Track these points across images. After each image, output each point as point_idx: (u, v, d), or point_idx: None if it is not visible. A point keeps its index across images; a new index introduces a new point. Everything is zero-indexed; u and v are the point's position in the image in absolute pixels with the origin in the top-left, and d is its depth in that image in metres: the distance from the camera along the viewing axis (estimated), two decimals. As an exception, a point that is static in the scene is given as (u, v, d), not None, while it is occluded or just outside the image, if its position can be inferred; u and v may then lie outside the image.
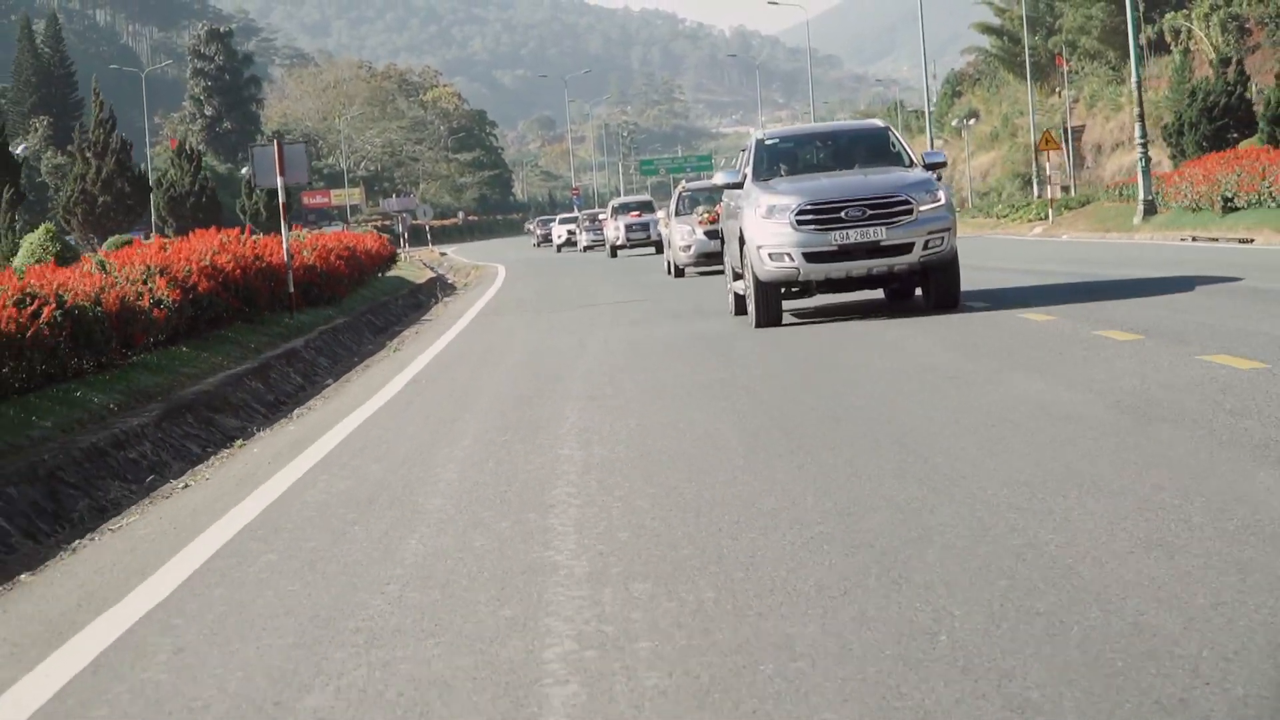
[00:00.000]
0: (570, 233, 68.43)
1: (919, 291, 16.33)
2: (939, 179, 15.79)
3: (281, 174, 21.25)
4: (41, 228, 36.98)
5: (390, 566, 5.78)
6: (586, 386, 11.64)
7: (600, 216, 63.18)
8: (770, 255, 14.87)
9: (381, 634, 4.79)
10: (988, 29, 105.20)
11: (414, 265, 48.68)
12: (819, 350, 12.81)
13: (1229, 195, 30.78)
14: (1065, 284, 18.59)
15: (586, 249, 61.12)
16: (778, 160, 16.86)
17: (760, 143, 17.32)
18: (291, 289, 21.77)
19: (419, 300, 31.78)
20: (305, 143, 27.71)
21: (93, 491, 10.23)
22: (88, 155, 56.01)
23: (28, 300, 13.02)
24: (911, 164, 16.07)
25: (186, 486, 9.20)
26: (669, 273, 30.69)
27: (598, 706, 3.89)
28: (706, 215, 28.54)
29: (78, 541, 7.74)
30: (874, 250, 14.65)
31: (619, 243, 50.84)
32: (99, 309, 14.45)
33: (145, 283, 16.71)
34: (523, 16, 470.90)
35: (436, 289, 35.47)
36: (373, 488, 7.68)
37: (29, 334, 12.56)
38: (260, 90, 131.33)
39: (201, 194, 60.60)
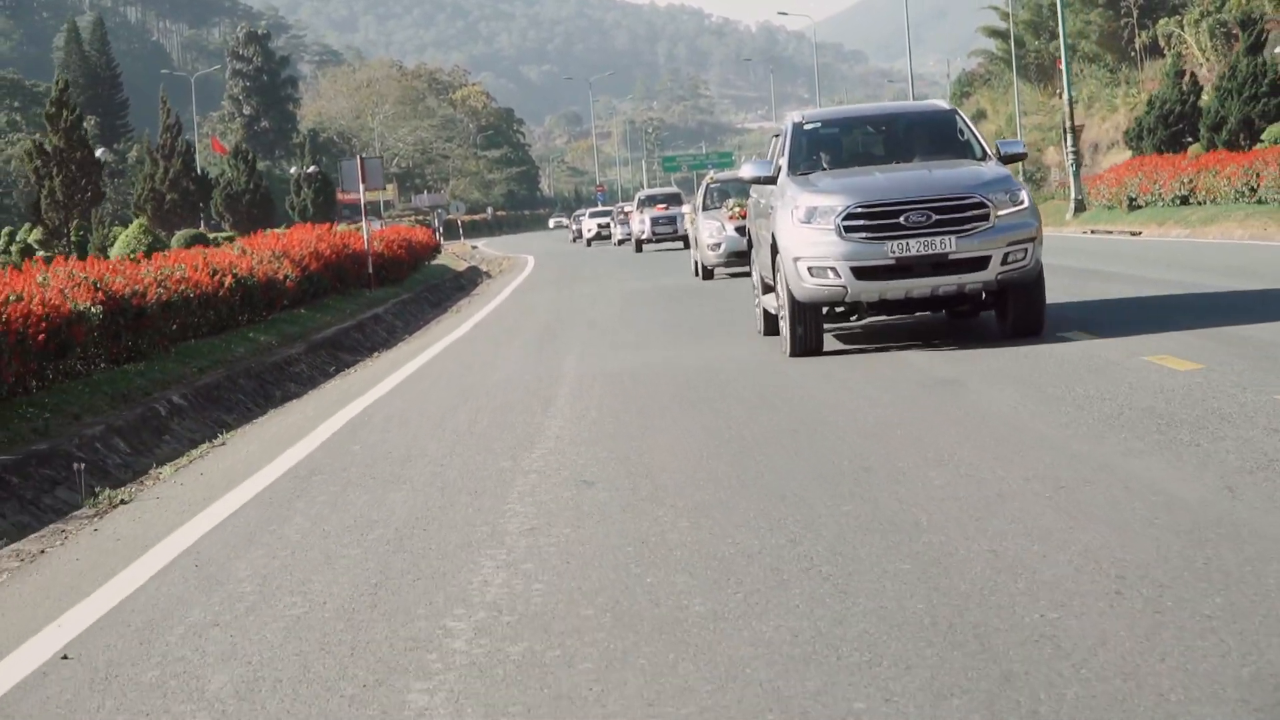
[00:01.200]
0: (601, 226, 69.34)
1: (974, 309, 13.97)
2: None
3: (364, 182, 28.02)
4: (135, 223, 43.84)
5: (490, 380, 12.71)
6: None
7: (627, 210, 63.62)
8: (810, 270, 12.34)
9: (492, 391, 11.69)
10: (993, 32, 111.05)
11: (450, 256, 55.51)
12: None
13: (1132, 196, 37.58)
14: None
15: (621, 242, 62.25)
16: (818, 149, 14.19)
17: (798, 127, 14.41)
18: (371, 270, 28.58)
19: (461, 284, 38.51)
20: (380, 158, 34.43)
21: (282, 387, 16.99)
22: (156, 157, 63.06)
23: (215, 271, 19.83)
24: (985, 156, 13.60)
25: (356, 371, 16.00)
26: (696, 274, 29.23)
27: (579, 395, 10.71)
28: (738, 209, 26.67)
29: (309, 391, 14.55)
30: (940, 265, 12.13)
31: (644, 237, 49.98)
32: (254, 279, 21.26)
33: (275, 262, 23.49)
34: (549, 12, 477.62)
35: (479, 275, 42.27)
36: (469, 363, 14.58)
37: (219, 293, 19.37)
38: (297, 90, 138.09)
39: (256, 192, 67.53)
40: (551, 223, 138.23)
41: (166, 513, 7.97)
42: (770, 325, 14.32)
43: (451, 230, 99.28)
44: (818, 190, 12.69)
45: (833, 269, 12.21)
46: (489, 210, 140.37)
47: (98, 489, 9.01)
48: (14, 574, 6.99)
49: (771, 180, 13.86)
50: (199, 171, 65.76)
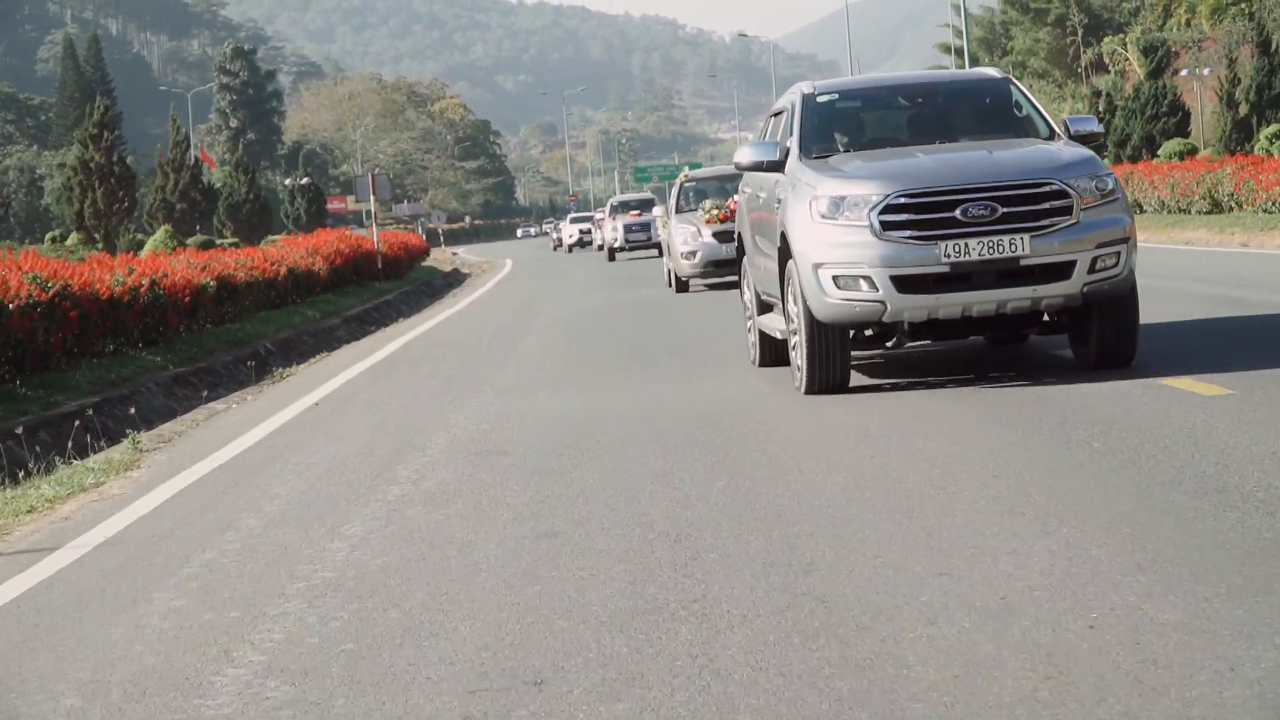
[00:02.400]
0: (583, 232, 68.70)
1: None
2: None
3: (375, 194, 34.92)
4: (162, 229, 50.71)
5: (491, 320, 19.92)
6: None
7: (599, 217, 63.24)
8: (836, 280, 9.96)
9: (490, 330, 18.62)
10: (948, 49, 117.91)
11: (435, 260, 62.45)
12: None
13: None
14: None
15: (601, 247, 60.87)
16: (835, 128, 11.78)
17: (809, 100, 11.80)
18: (380, 266, 35.53)
19: (450, 281, 45.48)
20: (385, 173, 41.34)
21: (332, 344, 23.94)
22: (167, 170, 69.97)
23: (273, 263, 26.77)
24: (1053, 134, 11.15)
25: (389, 329, 22.98)
26: (669, 285, 26.80)
27: (560, 306, 17.76)
28: (716, 212, 25.14)
29: (366, 335, 21.54)
30: (1010, 273, 9.79)
31: (617, 245, 48.52)
32: (300, 269, 28.21)
33: (310, 258, 30.41)
34: (524, 22, 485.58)
35: (462, 275, 49.24)
36: (472, 319, 21.73)
37: (278, 279, 26.32)
38: (282, 104, 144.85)
39: (256, 202, 74.42)
40: (519, 232, 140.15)
41: (320, 376, 14.97)
42: (770, 354, 12.06)
43: (432, 238, 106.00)
44: (845, 175, 10.29)
45: (867, 278, 9.80)
46: (467, 219, 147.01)
47: (273, 369, 15.94)
48: (254, 398, 13.97)
49: (777, 166, 11.26)
50: (205, 183, 72.76)
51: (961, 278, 9.65)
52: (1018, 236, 9.58)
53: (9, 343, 14.40)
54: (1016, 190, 9.69)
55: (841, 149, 11.18)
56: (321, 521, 7.20)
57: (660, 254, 38.87)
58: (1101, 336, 10.14)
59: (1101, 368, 10.11)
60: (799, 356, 10.41)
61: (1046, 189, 9.70)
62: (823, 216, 9.97)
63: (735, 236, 13.54)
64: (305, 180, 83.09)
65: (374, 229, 36.01)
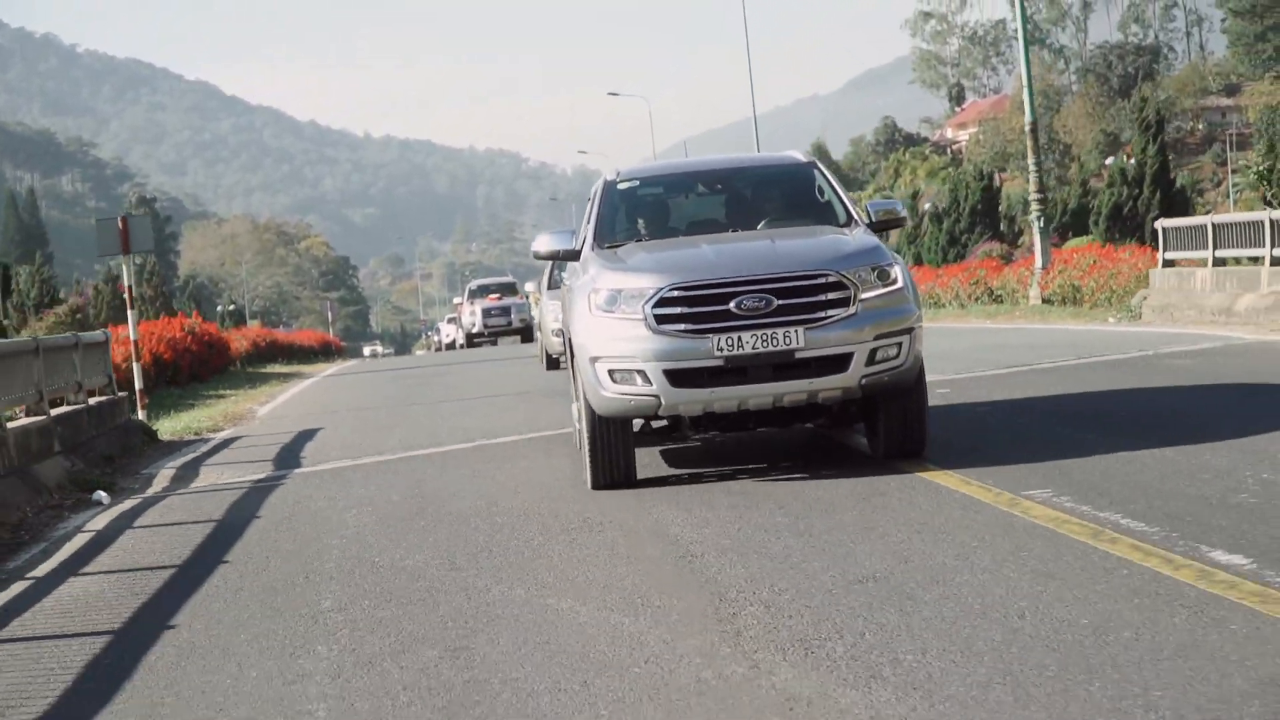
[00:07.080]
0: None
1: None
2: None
3: (331, 314, 72.65)
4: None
5: (437, 360, 58.30)
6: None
7: (456, 301, 65.68)
8: (613, 373, 10.08)
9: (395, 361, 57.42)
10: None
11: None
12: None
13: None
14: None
15: (455, 344, 66.51)
16: (637, 215, 11.99)
17: (610, 186, 12.20)
18: (335, 348, 73.58)
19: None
20: (333, 301, 79.27)
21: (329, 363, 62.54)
22: (136, 299, 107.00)
23: (297, 340, 65.45)
24: (850, 220, 11.46)
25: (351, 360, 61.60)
26: (543, 363, 27.57)
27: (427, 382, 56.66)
28: None
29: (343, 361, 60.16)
30: (785, 366, 9.89)
31: (475, 330, 48.87)
32: (306, 344, 66.83)
33: (307, 339, 68.70)
34: (372, 157, 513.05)
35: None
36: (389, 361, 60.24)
37: (299, 346, 65.01)
38: (177, 244, 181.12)
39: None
40: (366, 351, 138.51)
41: (341, 365, 53.10)
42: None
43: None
44: (625, 268, 10.44)
45: (641, 373, 9.91)
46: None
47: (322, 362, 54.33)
48: (329, 365, 52.02)
49: (574, 255, 11.63)
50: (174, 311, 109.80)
51: (737, 371, 9.75)
52: (792, 329, 9.67)
53: (258, 354, 52.71)
54: (793, 280, 9.77)
55: (645, 235, 11.49)
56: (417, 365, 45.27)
57: (523, 340, 47.31)
58: (888, 428, 10.36)
59: (891, 458, 10.41)
60: (584, 448, 10.52)
61: (822, 280, 9.79)
62: (601, 310, 10.09)
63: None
64: (232, 307, 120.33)
65: (333, 331, 73.36)
